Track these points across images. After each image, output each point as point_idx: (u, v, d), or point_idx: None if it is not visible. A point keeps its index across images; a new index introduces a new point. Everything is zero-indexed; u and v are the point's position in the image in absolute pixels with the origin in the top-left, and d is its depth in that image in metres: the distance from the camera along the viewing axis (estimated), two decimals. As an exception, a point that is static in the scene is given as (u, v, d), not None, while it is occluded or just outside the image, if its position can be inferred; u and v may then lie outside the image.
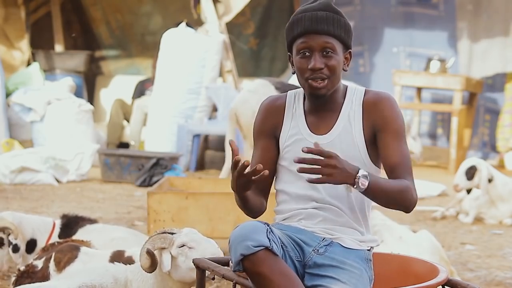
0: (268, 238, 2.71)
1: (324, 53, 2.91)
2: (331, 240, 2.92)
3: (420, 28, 11.60)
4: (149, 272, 3.26)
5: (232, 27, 11.56)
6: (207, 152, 10.08)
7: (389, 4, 11.69)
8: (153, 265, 3.23)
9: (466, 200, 7.40)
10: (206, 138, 10.08)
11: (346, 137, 2.95)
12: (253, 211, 3.01)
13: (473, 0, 11.27)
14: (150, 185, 8.40)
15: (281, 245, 2.82)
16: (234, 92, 10.15)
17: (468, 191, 7.20)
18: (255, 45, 12.54)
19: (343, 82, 3.07)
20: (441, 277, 2.89)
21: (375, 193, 2.80)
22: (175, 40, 10.04)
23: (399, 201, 2.87)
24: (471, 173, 7.11)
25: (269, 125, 3.05)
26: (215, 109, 10.14)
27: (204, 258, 3.08)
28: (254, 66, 12.56)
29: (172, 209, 5.25)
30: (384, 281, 3.09)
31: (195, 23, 10.65)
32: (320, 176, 2.71)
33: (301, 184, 2.94)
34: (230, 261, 2.80)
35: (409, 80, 10.80)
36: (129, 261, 3.67)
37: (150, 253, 3.21)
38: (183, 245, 3.29)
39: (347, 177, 2.74)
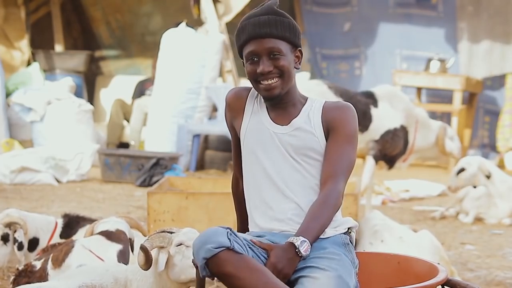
0: (228, 239, 2.72)
1: (271, 56, 2.97)
2: None
3: (418, 29, 11.57)
4: (145, 269, 3.26)
5: (232, 27, 11.56)
6: (207, 152, 10.07)
7: (387, 5, 11.66)
8: (147, 261, 3.23)
9: (466, 200, 7.40)
10: (206, 138, 10.08)
11: (306, 131, 3.00)
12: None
13: (474, 1, 11.26)
14: (150, 185, 8.39)
15: (249, 246, 2.82)
16: (234, 92, 10.13)
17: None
18: (255, 45, 12.54)
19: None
20: (440, 277, 2.90)
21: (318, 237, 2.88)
22: (175, 40, 10.04)
23: (331, 217, 2.93)
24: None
25: (230, 116, 3.14)
26: (215, 109, 10.14)
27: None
28: (254, 66, 12.55)
29: (172, 209, 5.24)
30: (384, 281, 3.09)
31: (195, 23, 10.66)
32: None
33: (261, 192, 2.99)
34: None
35: (409, 80, 10.80)
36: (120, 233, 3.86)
37: (144, 249, 3.21)
38: (181, 244, 3.29)
39: (291, 262, 2.79)
